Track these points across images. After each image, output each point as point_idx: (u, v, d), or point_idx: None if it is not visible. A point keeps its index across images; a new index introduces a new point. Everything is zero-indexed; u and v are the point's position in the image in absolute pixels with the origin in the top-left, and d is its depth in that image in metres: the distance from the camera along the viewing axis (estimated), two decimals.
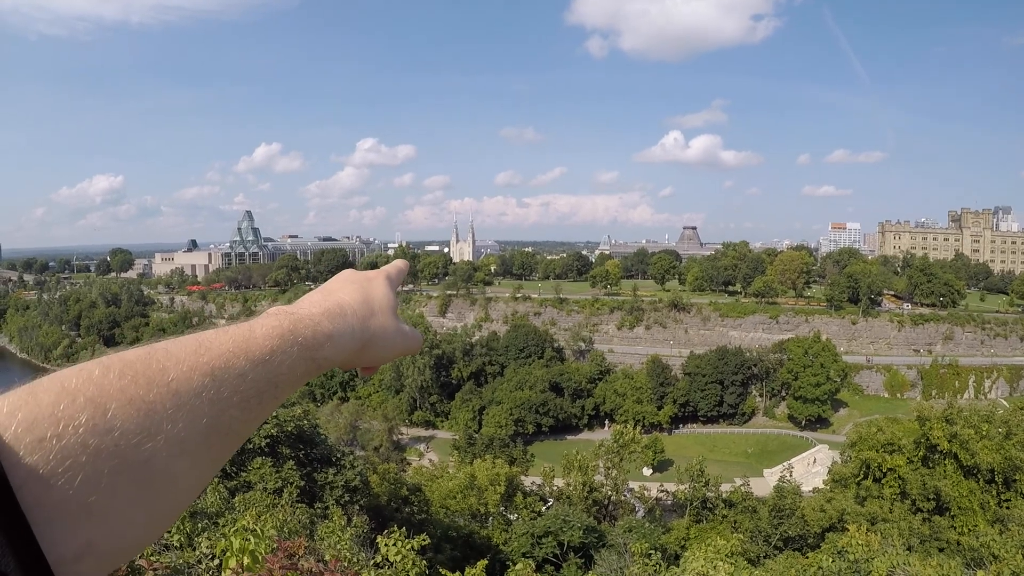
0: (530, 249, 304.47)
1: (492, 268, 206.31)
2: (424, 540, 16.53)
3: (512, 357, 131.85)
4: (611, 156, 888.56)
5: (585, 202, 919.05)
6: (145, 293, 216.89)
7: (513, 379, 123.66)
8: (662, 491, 65.64)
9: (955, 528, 38.28)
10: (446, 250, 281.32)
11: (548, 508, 50.89)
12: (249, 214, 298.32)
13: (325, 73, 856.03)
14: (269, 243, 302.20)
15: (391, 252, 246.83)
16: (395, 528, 16.76)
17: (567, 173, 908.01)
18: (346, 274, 1.63)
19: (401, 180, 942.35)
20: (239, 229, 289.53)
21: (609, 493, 58.49)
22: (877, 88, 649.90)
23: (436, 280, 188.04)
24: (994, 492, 42.45)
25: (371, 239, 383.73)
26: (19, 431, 0.83)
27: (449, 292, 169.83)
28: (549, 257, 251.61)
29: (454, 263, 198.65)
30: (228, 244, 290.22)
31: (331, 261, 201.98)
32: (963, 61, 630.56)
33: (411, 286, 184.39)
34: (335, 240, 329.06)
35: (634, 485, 68.72)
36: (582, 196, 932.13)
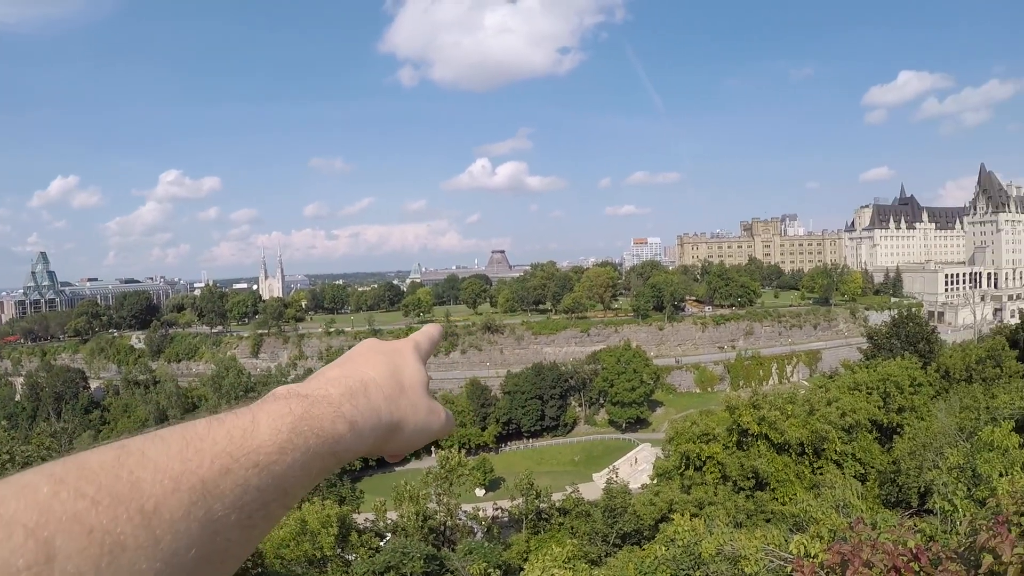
0: (341, 282, 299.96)
1: (303, 303, 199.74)
2: None
3: None
4: (420, 185, 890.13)
5: (394, 231, 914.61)
6: None
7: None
8: (497, 509, 65.76)
9: (777, 499, 40.59)
10: (255, 287, 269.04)
11: (386, 543, 49.67)
12: (44, 256, 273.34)
13: (127, 99, 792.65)
14: (67, 288, 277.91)
15: (197, 291, 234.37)
16: None
17: (376, 203, 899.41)
18: (369, 343, 1.40)
19: (206, 214, 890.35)
20: (33, 274, 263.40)
21: (444, 519, 57.74)
22: (672, 114, 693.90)
23: (246, 320, 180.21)
24: (807, 462, 45.30)
25: (176, 279, 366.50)
26: None
27: (260, 331, 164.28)
28: (361, 289, 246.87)
29: (264, 300, 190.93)
30: (22, 291, 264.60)
31: (134, 305, 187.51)
32: (754, 90, 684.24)
33: (220, 327, 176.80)
34: (138, 282, 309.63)
35: (468, 508, 68.27)
36: (391, 225, 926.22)
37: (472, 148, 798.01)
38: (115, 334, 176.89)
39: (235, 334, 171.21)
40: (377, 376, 1.22)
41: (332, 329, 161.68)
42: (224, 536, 0.83)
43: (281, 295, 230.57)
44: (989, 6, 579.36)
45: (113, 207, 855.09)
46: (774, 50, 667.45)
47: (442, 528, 57.64)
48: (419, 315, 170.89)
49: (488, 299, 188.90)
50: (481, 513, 65.89)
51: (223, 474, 0.84)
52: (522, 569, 33.84)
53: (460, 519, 61.27)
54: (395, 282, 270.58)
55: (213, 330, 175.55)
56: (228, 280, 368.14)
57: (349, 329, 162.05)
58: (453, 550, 44.99)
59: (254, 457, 0.89)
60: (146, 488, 0.76)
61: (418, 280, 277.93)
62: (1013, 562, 5.68)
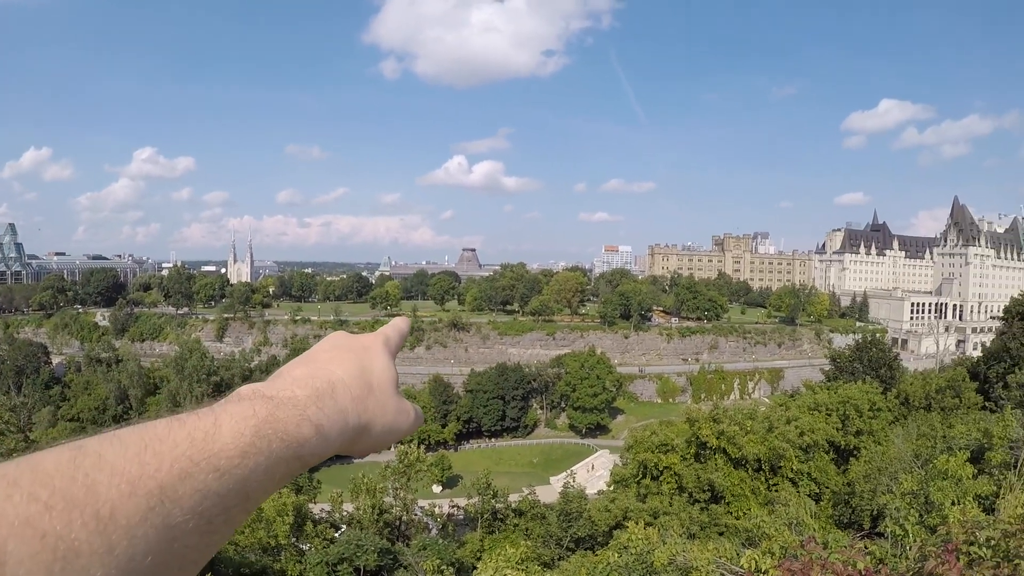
0: (310, 270, 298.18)
1: (271, 290, 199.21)
2: None
3: None
4: (395, 178, 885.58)
5: (367, 223, 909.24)
6: None
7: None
8: (453, 507, 65.83)
9: (731, 513, 40.81)
10: (223, 270, 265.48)
11: (341, 534, 49.50)
12: (12, 227, 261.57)
13: (105, 76, 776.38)
14: (33, 261, 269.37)
15: (165, 272, 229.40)
16: None
17: (350, 193, 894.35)
18: (336, 338, 1.33)
19: (179, 195, 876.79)
20: (0, 245, 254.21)
21: (400, 514, 57.62)
22: (652, 124, 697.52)
23: (212, 303, 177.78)
24: (763, 479, 45.69)
25: (144, 258, 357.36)
26: None
27: (226, 315, 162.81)
28: (329, 278, 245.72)
29: (231, 285, 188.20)
30: None
31: (101, 282, 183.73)
32: (734, 105, 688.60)
33: (186, 309, 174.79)
34: (106, 259, 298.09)
35: (424, 503, 68.23)
36: (364, 217, 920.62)
37: (450, 145, 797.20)
38: (80, 310, 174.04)
39: (201, 317, 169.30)
40: (345, 376, 1.16)
41: (298, 317, 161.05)
42: (182, 542, 0.80)
43: (249, 280, 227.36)
44: (974, 43, 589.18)
45: (85, 182, 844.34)
46: (757, 67, 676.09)
47: (397, 523, 57.53)
48: (386, 308, 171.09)
49: (456, 296, 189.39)
50: (437, 510, 65.89)
51: (182, 479, 0.81)
52: (475, 568, 33.90)
53: (416, 514, 61.22)
54: (364, 274, 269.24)
55: (179, 311, 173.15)
56: (197, 262, 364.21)
57: (315, 318, 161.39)
58: (408, 545, 44.91)
59: (215, 461, 0.85)
60: (102, 492, 0.73)
61: (387, 273, 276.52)
62: None
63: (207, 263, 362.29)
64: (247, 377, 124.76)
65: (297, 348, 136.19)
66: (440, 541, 48.15)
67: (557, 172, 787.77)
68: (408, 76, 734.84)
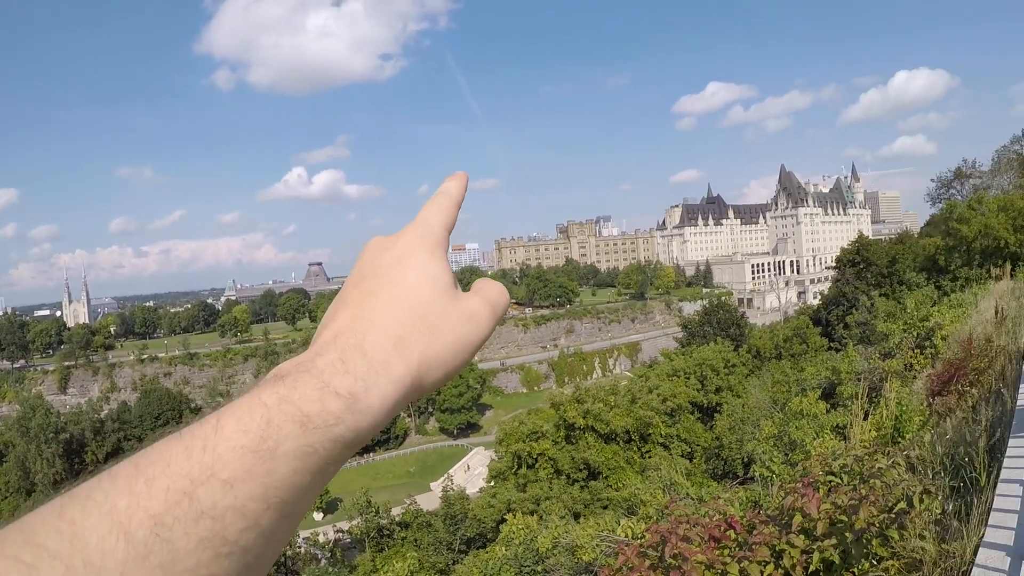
0: (152, 303, 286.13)
1: (112, 329, 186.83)
2: None
3: (148, 428, 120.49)
4: (234, 196, 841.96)
5: (208, 246, 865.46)
6: None
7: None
8: (338, 531, 64.25)
9: (611, 487, 41.56)
10: (59, 313, 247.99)
11: None
12: None
13: None
14: None
15: None
16: None
17: (188, 216, 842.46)
18: (369, 253, 0.99)
19: (2, 232, 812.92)
20: None
21: (283, 551, 55.99)
22: (490, 121, 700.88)
23: (51, 351, 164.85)
24: (635, 448, 46.94)
25: None
26: None
27: (67, 363, 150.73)
28: (173, 310, 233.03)
29: (69, 328, 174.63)
30: None
31: None
32: (570, 97, 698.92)
33: (23, 361, 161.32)
34: None
35: (307, 533, 66.52)
36: (204, 240, 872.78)
37: (289, 156, 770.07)
38: None
39: (39, 368, 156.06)
40: (378, 317, 0.85)
41: (145, 356, 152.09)
42: (203, 573, 0.62)
43: (88, 321, 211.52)
44: (791, 24, 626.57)
45: None
46: (591, 59, 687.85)
47: (282, 559, 55.80)
48: (236, 334, 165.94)
49: (307, 314, 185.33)
50: (322, 537, 64.24)
51: (179, 502, 0.62)
52: None
53: (300, 547, 59.51)
54: (210, 301, 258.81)
55: (15, 365, 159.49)
56: (29, 307, 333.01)
57: (163, 355, 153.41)
58: None
59: (220, 473, 0.65)
60: (90, 538, 0.58)
61: (234, 298, 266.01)
62: (821, 518, 5.96)
63: (40, 307, 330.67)
64: (99, 428, 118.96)
65: (148, 389, 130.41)
66: (330, 570, 47.12)
67: (399, 176, 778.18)
68: (243, 86, 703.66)
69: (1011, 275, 31.97)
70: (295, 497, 0.69)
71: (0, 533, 0.59)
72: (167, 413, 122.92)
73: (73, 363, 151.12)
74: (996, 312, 17.28)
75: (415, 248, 0.96)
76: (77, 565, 0.57)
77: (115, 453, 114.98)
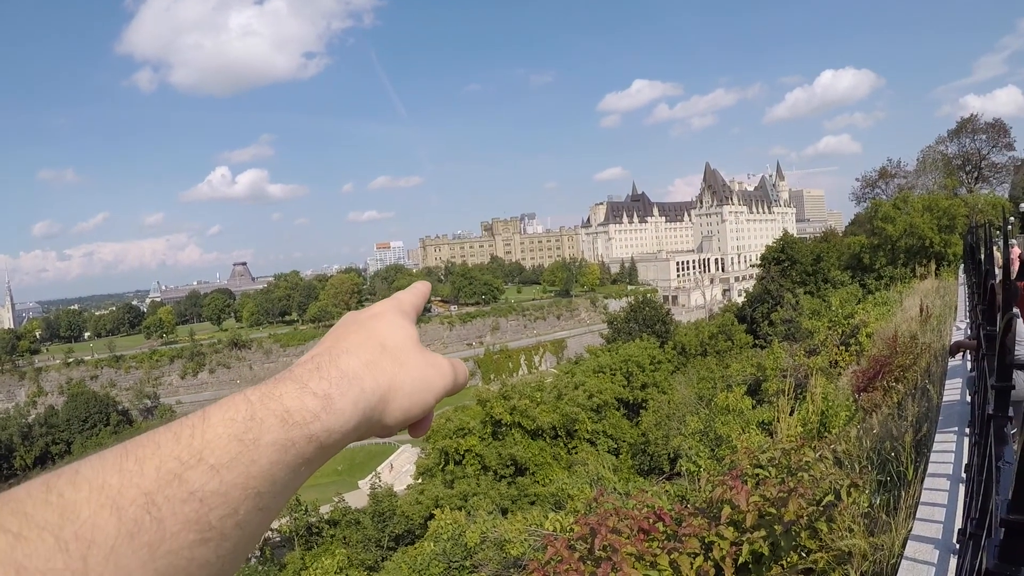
0: (77, 307, 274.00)
1: (37, 334, 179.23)
2: None
3: (77, 431, 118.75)
4: (157, 196, 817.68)
5: (132, 248, 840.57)
6: None
7: (80, 455, 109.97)
8: (268, 530, 63.40)
9: (538, 482, 41.86)
10: None
11: None
12: None
13: None
14: None
15: None
16: None
17: (111, 217, 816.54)
18: (347, 317, 1.09)
19: None
20: None
21: None
22: (415, 120, 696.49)
23: None
24: (562, 444, 47.20)
25: None
26: None
27: None
28: (98, 313, 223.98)
29: None
30: None
31: None
32: (495, 96, 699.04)
33: None
34: None
35: None
36: (128, 242, 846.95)
37: (212, 155, 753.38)
38: None
39: None
40: (351, 344, 0.95)
41: (71, 359, 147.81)
42: (183, 555, 0.63)
43: (12, 326, 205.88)
44: (719, 22, 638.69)
45: None
46: (516, 58, 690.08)
47: None
48: (162, 336, 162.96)
49: (233, 314, 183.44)
50: None
51: (170, 482, 0.65)
52: None
53: None
54: (135, 303, 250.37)
55: None
56: None
57: (89, 357, 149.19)
58: None
59: (207, 457, 0.68)
60: (81, 511, 0.59)
61: (158, 299, 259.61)
62: (750, 510, 5.95)
63: None
64: (27, 434, 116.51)
65: (75, 393, 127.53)
66: (260, 568, 46.36)
67: (323, 175, 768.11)
68: (164, 87, 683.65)
69: (936, 274, 33.00)
70: (272, 490, 0.72)
71: None
72: (95, 416, 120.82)
73: None
74: (921, 310, 17.75)
75: (388, 310, 1.06)
76: (67, 537, 0.57)
77: (43, 458, 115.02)
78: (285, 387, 0.80)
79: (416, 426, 1.02)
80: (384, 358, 0.95)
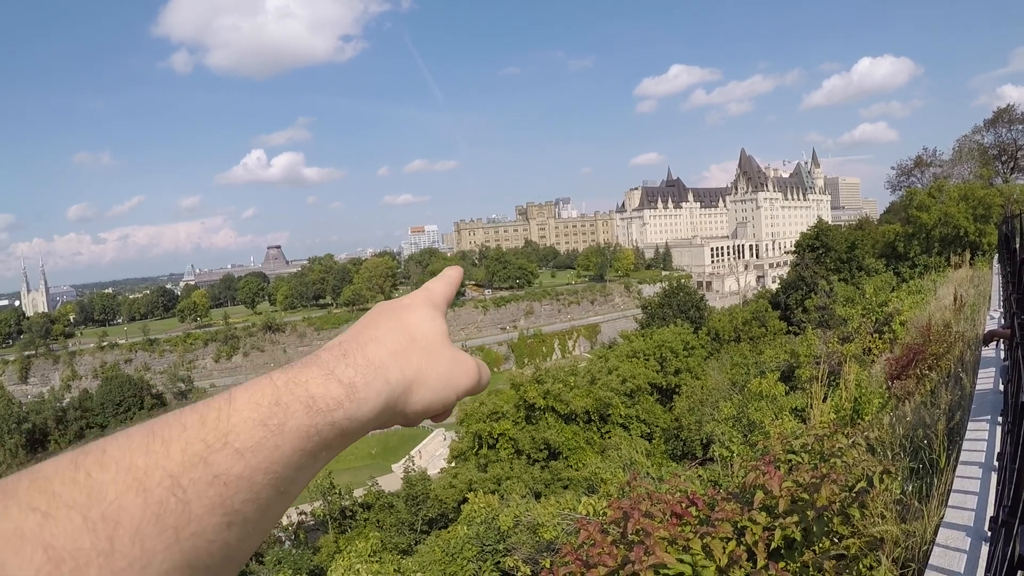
0: (111, 290, 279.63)
1: (71, 317, 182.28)
2: None
3: (111, 414, 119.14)
4: (193, 179, 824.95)
5: (166, 231, 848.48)
6: None
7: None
8: (301, 514, 63.86)
9: (571, 466, 41.83)
10: (17, 303, 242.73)
11: None
12: None
13: None
14: None
15: None
16: None
17: (147, 201, 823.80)
18: (378, 306, 1.07)
19: None
20: None
21: None
22: (452, 103, 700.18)
23: (9, 341, 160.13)
24: (595, 428, 47.16)
25: None
26: None
27: (27, 353, 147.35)
28: (132, 296, 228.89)
29: (28, 318, 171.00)
30: None
31: None
32: (532, 79, 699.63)
33: None
34: None
35: None
36: (162, 225, 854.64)
37: (248, 138, 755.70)
38: None
39: None
40: (379, 333, 0.95)
41: (105, 343, 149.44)
42: (207, 538, 0.64)
43: (47, 310, 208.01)
44: (759, 8, 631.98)
45: None
46: (554, 42, 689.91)
47: None
48: (196, 319, 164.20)
49: (267, 297, 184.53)
50: (285, 520, 63.92)
51: (196, 464, 0.65)
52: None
53: None
54: (169, 286, 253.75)
55: None
56: None
57: (123, 341, 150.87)
58: (261, 562, 43.29)
59: (233, 441, 0.69)
60: (108, 492, 0.59)
61: (192, 282, 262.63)
62: (783, 495, 6.00)
63: None
64: (61, 417, 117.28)
65: (109, 376, 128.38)
66: (294, 551, 46.85)
67: (359, 158, 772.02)
68: (201, 69, 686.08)
69: (970, 263, 32.57)
70: (292, 476, 0.73)
71: (10, 479, 0.58)
72: (129, 400, 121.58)
73: (33, 352, 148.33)
74: (955, 299, 17.56)
75: (420, 302, 1.05)
76: (95, 517, 0.57)
77: (78, 441, 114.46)
78: (311, 372, 0.80)
79: (436, 417, 1.01)
80: (412, 350, 0.95)
